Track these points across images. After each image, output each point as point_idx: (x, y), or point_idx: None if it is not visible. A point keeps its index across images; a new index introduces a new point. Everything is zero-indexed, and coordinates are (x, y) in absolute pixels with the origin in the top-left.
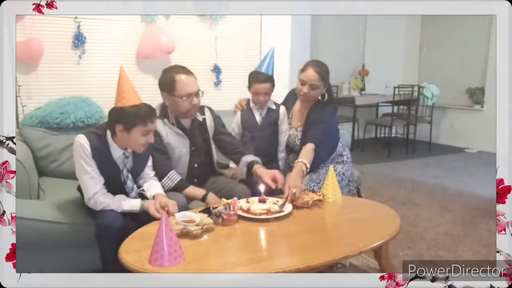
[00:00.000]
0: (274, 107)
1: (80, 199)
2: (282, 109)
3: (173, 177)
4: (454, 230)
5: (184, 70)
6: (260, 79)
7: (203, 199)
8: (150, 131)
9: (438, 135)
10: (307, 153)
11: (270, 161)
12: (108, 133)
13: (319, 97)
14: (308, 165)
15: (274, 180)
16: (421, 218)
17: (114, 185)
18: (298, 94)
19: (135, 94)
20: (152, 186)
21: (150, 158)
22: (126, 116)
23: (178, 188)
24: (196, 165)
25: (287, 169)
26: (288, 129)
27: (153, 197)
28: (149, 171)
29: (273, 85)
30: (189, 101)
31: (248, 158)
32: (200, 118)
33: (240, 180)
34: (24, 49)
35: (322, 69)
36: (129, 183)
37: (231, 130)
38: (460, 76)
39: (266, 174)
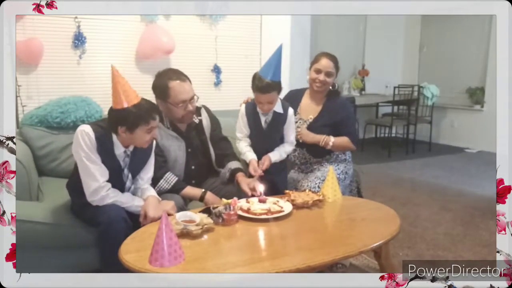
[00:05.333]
0: (281, 110)
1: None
2: (290, 112)
3: (169, 179)
4: (454, 230)
5: (178, 76)
6: (261, 88)
7: (201, 198)
8: (154, 127)
9: (438, 135)
10: (340, 139)
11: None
12: None
13: (330, 86)
14: (331, 144)
15: (252, 189)
16: (421, 218)
17: (114, 183)
18: (312, 84)
19: (133, 92)
20: (148, 190)
21: (150, 168)
22: (128, 118)
23: (175, 189)
24: (193, 167)
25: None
26: (294, 140)
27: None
28: (145, 180)
29: (279, 91)
30: (183, 107)
31: (233, 164)
32: (196, 120)
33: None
34: (24, 49)
35: (334, 58)
36: (128, 183)
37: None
38: (460, 76)
39: (245, 183)
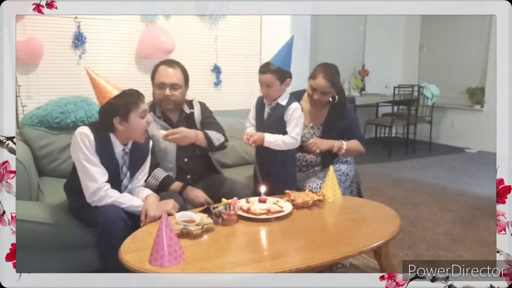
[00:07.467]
0: (284, 103)
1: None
2: (293, 106)
3: (157, 175)
4: (454, 230)
5: (170, 63)
6: (260, 68)
7: (181, 192)
8: (145, 110)
9: (438, 135)
10: (352, 142)
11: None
12: None
13: (330, 98)
14: (344, 148)
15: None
16: (421, 218)
17: (111, 182)
18: (309, 97)
19: (113, 86)
20: (143, 190)
21: (146, 167)
22: (118, 107)
23: (164, 185)
24: (186, 160)
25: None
26: (296, 137)
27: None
28: (140, 178)
29: (279, 77)
30: (161, 91)
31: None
32: (187, 111)
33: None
34: (24, 49)
35: (332, 75)
36: (125, 181)
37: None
38: (460, 76)
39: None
